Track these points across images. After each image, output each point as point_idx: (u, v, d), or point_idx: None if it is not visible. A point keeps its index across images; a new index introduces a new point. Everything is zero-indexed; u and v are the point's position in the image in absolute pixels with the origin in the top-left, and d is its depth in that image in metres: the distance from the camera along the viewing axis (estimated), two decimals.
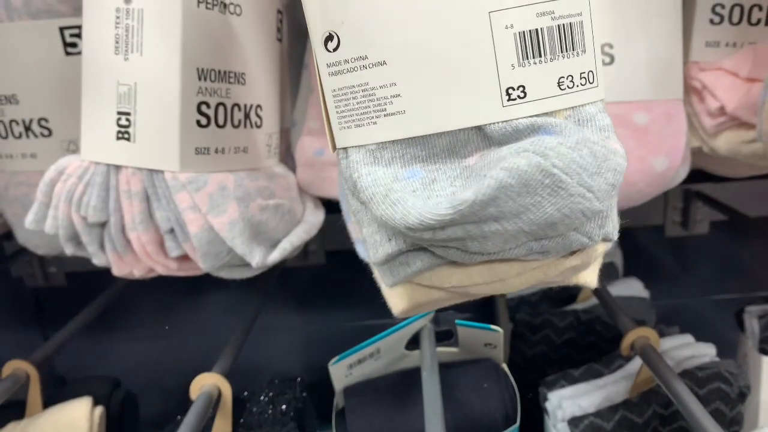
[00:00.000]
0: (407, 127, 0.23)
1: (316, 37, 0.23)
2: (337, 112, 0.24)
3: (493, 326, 0.42)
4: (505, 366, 0.45)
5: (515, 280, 0.26)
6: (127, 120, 0.32)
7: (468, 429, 0.41)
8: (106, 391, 0.45)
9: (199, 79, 0.32)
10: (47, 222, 0.34)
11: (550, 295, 0.65)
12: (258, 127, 0.36)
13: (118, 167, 0.33)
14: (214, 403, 0.39)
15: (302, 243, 0.35)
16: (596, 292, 0.48)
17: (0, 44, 0.40)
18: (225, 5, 0.32)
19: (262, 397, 0.41)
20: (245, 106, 0.34)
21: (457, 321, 0.42)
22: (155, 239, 0.33)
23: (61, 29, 0.40)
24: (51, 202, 0.34)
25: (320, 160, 0.38)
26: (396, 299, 0.27)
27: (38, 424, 0.43)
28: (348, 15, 0.22)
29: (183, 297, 0.84)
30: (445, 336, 0.46)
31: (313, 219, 0.36)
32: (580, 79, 0.24)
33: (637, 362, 0.44)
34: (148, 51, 0.31)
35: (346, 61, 0.23)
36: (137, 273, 0.35)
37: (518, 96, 0.22)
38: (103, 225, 0.34)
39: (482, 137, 0.23)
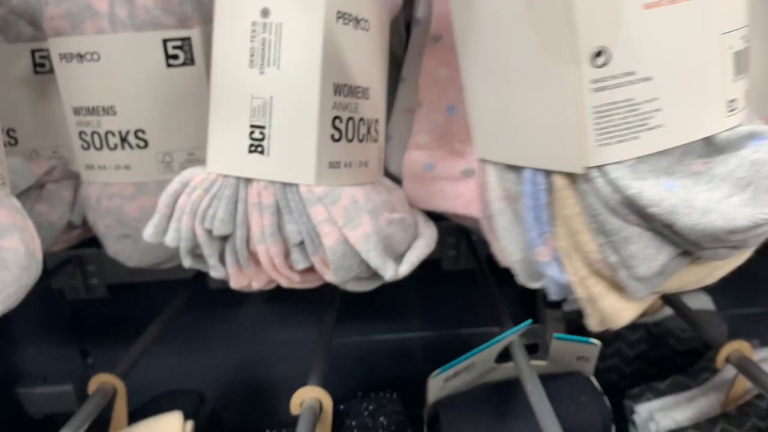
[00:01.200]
0: (666, 139, 0.25)
1: (581, 52, 0.24)
2: (596, 129, 0.25)
3: (591, 339, 0.42)
4: (594, 379, 0.45)
5: (711, 276, 0.29)
6: (261, 133, 0.32)
7: None
8: (193, 405, 0.45)
9: (335, 94, 0.32)
10: (168, 234, 0.34)
11: None
12: (375, 141, 0.36)
13: (248, 180, 0.32)
14: (317, 416, 0.39)
15: (425, 256, 0.35)
16: (676, 306, 0.49)
17: (102, 56, 0.40)
18: (357, 21, 0.32)
19: (362, 411, 0.41)
20: (368, 120, 0.35)
21: (555, 335, 0.42)
22: (283, 252, 0.33)
23: (165, 41, 0.40)
24: (173, 214, 0.34)
25: (431, 175, 0.38)
26: (626, 312, 0.29)
27: None
28: (622, 30, 0.23)
29: (216, 311, 0.83)
30: (530, 350, 0.46)
31: (429, 232, 0.36)
32: (747, 96, 0.26)
33: (724, 375, 0.45)
34: (285, 65, 0.31)
35: (614, 77, 0.24)
36: (256, 285, 0.35)
37: (734, 108, 0.25)
38: (224, 238, 0.34)
39: (704, 145, 0.26)
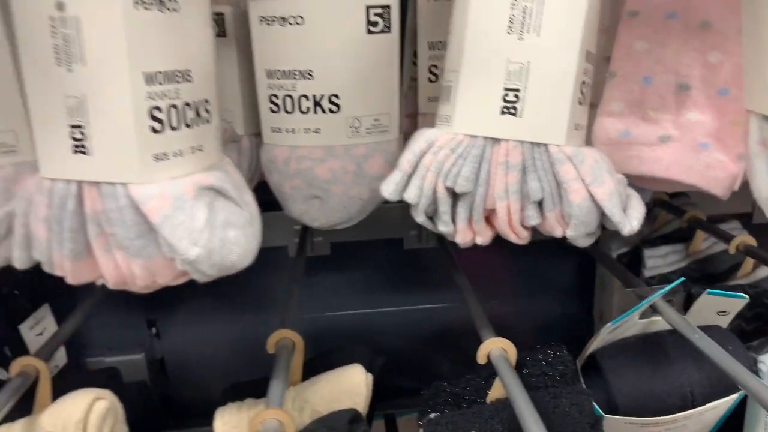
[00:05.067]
0: None
1: None
2: None
3: (742, 294, 0.46)
4: None
5: None
6: (515, 96, 0.34)
7: (723, 387, 0.45)
8: (367, 360, 0.47)
9: (585, 60, 0.34)
10: (409, 191, 0.36)
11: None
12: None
13: (496, 140, 0.35)
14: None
15: (645, 212, 0.38)
16: None
17: (306, 20, 0.41)
18: None
19: (539, 361, 0.44)
20: (592, 85, 0.37)
21: (708, 290, 0.46)
22: (520, 209, 0.36)
23: (368, 8, 0.41)
24: (416, 172, 0.36)
25: (626, 141, 0.41)
26: None
27: (315, 389, 0.44)
28: None
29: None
30: None
31: (634, 193, 0.39)
32: None
33: None
34: (546, 32, 0.33)
35: None
36: (480, 240, 0.38)
37: None
38: (457, 195, 0.36)
39: None
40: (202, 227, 0.31)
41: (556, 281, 0.87)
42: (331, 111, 0.43)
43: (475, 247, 0.39)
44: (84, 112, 0.30)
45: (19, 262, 0.35)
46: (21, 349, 0.68)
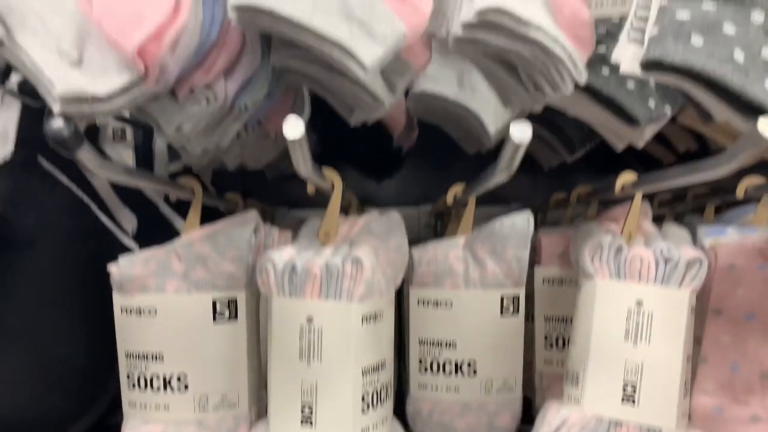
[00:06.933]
0: None
1: None
2: None
3: None
4: None
5: None
6: (633, 388, 0.44)
7: None
8: None
9: (687, 362, 0.44)
10: None
11: None
12: None
13: (618, 423, 0.44)
14: None
15: None
16: None
17: (454, 305, 0.53)
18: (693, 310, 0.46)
19: None
20: None
21: None
22: None
23: (501, 297, 0.53)
24: None
25: (722, 417, 0.49)
26: None
27: None
28: None
29: None
30: None
31: None
32: None
33: None
34: (655, 341, 0.44)
35: None
36: None
37: None
38: None
39: None
40: None
41: None
42: (469, 374, 0.53)
43: None
44: (314, 394, 0.41)
45: None
46: None
